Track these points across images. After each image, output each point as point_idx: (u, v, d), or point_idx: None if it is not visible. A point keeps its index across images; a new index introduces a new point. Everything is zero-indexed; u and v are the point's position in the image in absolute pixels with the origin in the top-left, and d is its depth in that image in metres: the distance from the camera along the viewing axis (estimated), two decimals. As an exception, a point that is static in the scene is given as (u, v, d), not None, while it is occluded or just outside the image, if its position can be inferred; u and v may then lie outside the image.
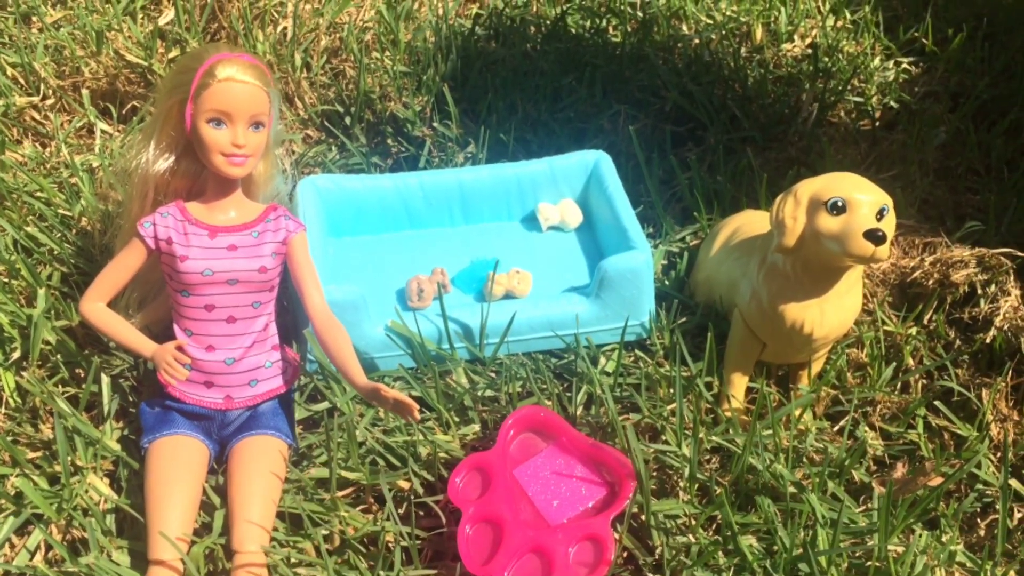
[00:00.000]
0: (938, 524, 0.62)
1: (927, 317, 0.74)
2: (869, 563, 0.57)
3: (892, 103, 0.98)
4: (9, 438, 0.63)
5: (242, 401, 0.63)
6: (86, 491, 0.61)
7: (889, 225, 0.62)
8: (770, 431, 0.63)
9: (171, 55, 0.97)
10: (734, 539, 0.57)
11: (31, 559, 0.59)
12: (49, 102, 0.94)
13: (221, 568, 0.57)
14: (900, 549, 0.59)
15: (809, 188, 0.63)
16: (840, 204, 0.61)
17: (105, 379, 0.66)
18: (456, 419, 0.66)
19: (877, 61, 1.03)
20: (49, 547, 0.60)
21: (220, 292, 0.61)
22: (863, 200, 0.61)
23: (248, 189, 0.66)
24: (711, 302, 0.73)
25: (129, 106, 0.94)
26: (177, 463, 0.59)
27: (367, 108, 0.95)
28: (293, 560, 0.56)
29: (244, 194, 0.65)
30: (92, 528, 0.57)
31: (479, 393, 0.67)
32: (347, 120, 0.94)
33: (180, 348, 0.62)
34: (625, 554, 0.60)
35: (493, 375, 0.70)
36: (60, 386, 0.68)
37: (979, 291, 0.73)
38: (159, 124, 0.63)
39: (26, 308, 0.70)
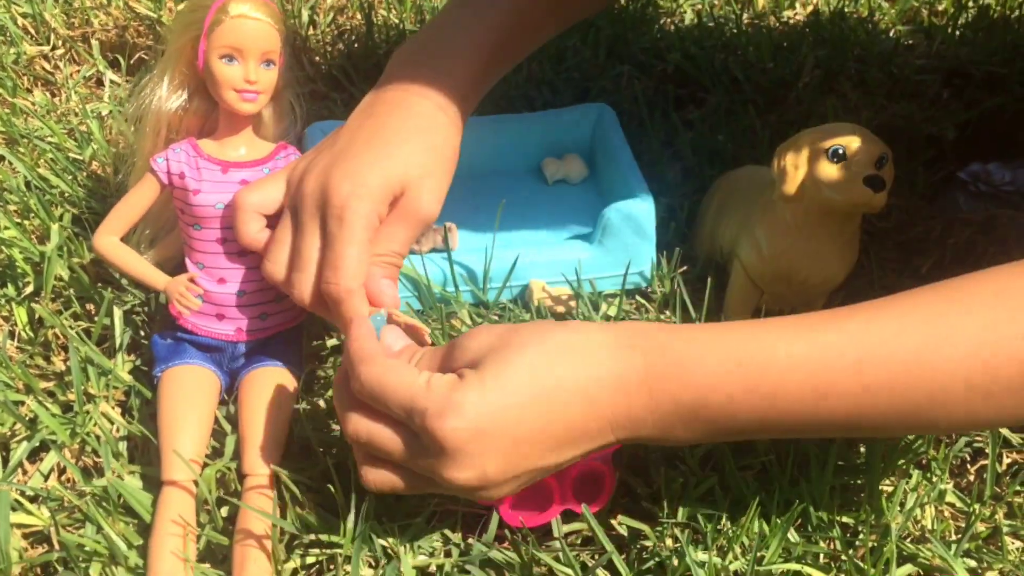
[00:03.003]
0: (929, 468, 0.63)
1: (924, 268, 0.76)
2: (861, 496, 0.59)
3: (894, 71, 0.99)
4: (20, 369, 0.64)
5: (252, 334, 0.64)
6: (97, 420, 0.62)
7: (888, 174, 0.63)
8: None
9: (179, 7, 0.98)
10: (731, 475, 0.59)
11: (44, 482, 0.61)
12: (59, 52, 0.95)
13: (233, 490, 0.58)
14: (890, 488, 0.61)
15: (810, 137, 0.64)
16: (840, 152, 0.63)
17: (117, 312, 0.67)
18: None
19: (878, 29, 1.04)
20: (61, 472, 0.62)
21: (232, 226, 0.62)
22: (863, 148, 0.63)
23: (258, 130, 0.67)
24: (712, 255, 0.75)
25: (137, 57, 0.95)
26: (190, 390, 0.61)
27: (374, 64, 0.96)
28: (303, 482, 0.58)
29: (255, 134, 0.66)
30: (106, 451, 0.58)
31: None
32: (353, 75, 0.95)
33: (192, 280, 0.63)
34: (624, 489, 0.61)
35: (496, 318, 0.71)
36: (73, 320, 0.69)
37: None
38: (172, 62, 0.64)
39: (39, 245, 0.72)
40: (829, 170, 0.63)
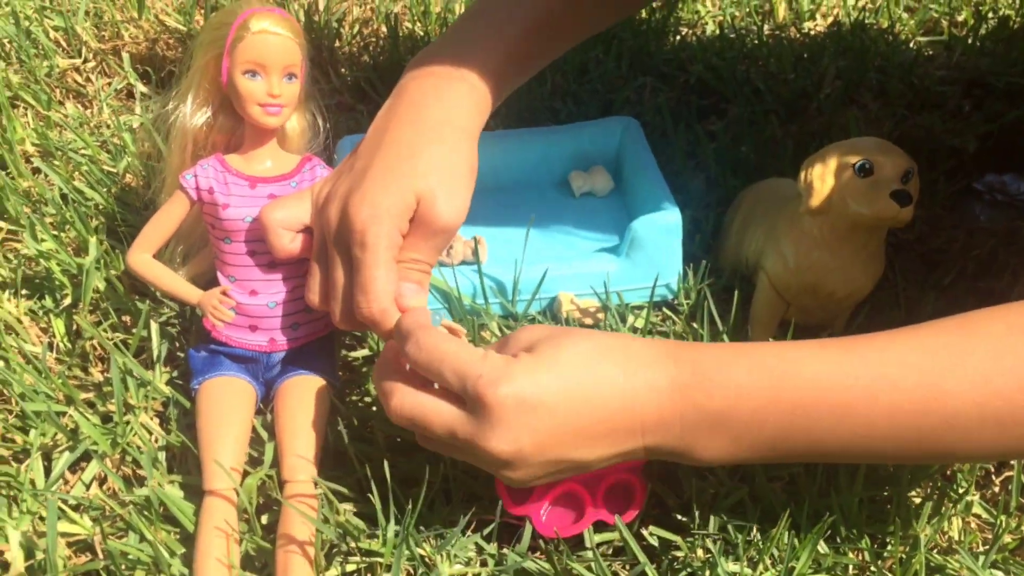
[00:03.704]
0: (955, 479, 0.64)
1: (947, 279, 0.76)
2: (888, 508, 0.60)
3: (914, 81, 0.99)
4: (60, 380, 0.66)
5: (285, 343, 0.65)
6: (137, 431, 0.63)
7: (914, 188, 0.64)
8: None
9: (203, 24, 0.99)
10: (761, 487, 0.60)
11: (86, 491, 0.62)
12: (90, 65, 0.97)
13: (273, 498, 0.60)
14: (917, 500, 0.62)
15: (837, 151, 0.65)
16: (867, 166, 0.63)
17: (154, 325, 0.68)
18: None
19: (898, 40, 1.05)
20: (102, 482, 0.63)
21: (261, 239, 0.63)
22: (890, 163, 0.63)
23: (282, 143, 0.69)
24: (737, 267, 0.75)
25: (167, 70, 0.96)
26: (227, 401, 0.62)
27: (399, 76, 0.97)
28: (340, 491, 0.59)
29: (280, 147, 0.67)
30: (147, 461, 0.60)
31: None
32: (379, 86, 0.96)
33: (225, 293, 0.65)
34: (654, 500, 0.62)
35: (526, 330, 0.72)
36: (110, 331, 0.70)
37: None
38: (196, 80, 0.65)
39: (76, 257, 0.73)
40: (856, 185, 0.63)
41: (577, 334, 0.51)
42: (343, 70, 0.98)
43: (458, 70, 0.63)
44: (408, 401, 0.51)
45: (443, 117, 0.61)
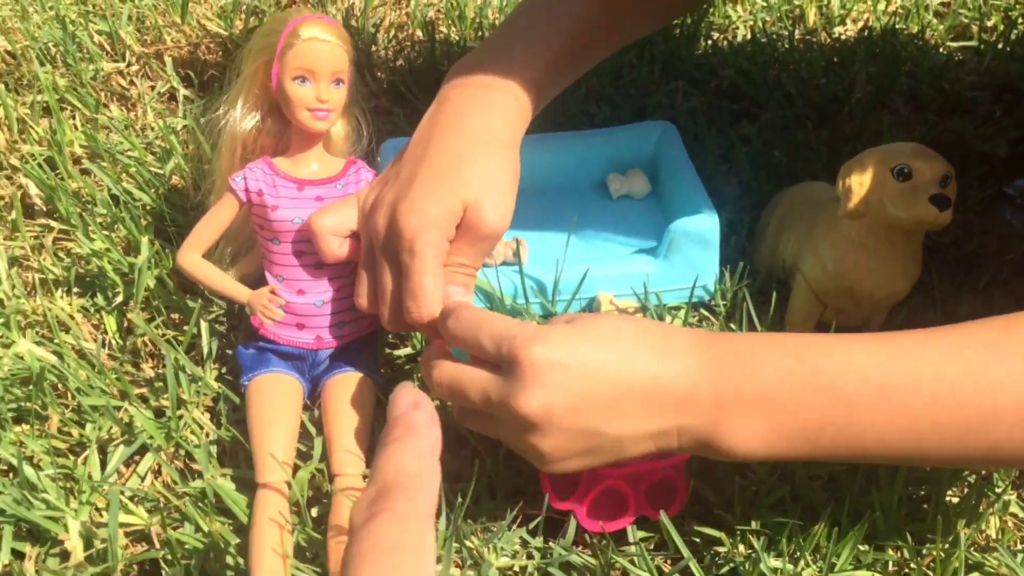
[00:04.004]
0: (991, 479, 0.65)
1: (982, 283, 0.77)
2: (926, 506, 0.61)
3: (945, 87, 1.00)
4: (114, 376, 0.68)
5: (331, 342, 0.67)
6: (190, 424, 0.65)
7: (952, 192, 0.65)
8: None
9: (249, 25, 1.01)
10: (801, 485, 0.61)
11: (141, 483, 0.64)
12: (134, 68, 0.99)
13: (322, 491, 0.61)
14: (955, 500, 0.63)
15: (875, 156, 0.66)
16: (906, 171, 0.65)
17: (203, 323, 0.70)
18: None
19: (928, 45, 1.06)
20: (156, 475, 0.65)
21: (308, 240, 0.65)
22: (928, 167, 0.64)
23: (328, 147, 0.70)
24: (773, 270, 0.76)
25: (209, 74, 0.98)
26: (276, 397, 0.64)
27: (435, 80, 0.98)
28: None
29: (325, 150, 0.69)
30: (204, 454, 0.61)
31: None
32: (415, 90, 0.98)
33: (273, 292, 0.66)
34: (694, 497, 0.63)
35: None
36: (161, 328, 0.72)
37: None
38: (246, 85, 0.67)
39: (127, 257, 0.75)
40: (895, 189, 0.65)
41: (615, 314, 0.53)
42: (380, 74, 1.00)
43: (499, 80, 0.64)
44: (447, 370, 0.53)
45: (486, 127, 0.62)
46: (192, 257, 0.67)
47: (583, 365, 0.49)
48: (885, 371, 0.48)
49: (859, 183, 0.66)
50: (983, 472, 0.64)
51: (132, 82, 0.98)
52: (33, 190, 0.84)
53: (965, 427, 0.48)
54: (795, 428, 0.49)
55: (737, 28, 1.09)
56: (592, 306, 0.74)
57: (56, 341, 0.70)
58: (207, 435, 0.65)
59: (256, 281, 0.69)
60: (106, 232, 0.77)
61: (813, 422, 0.49)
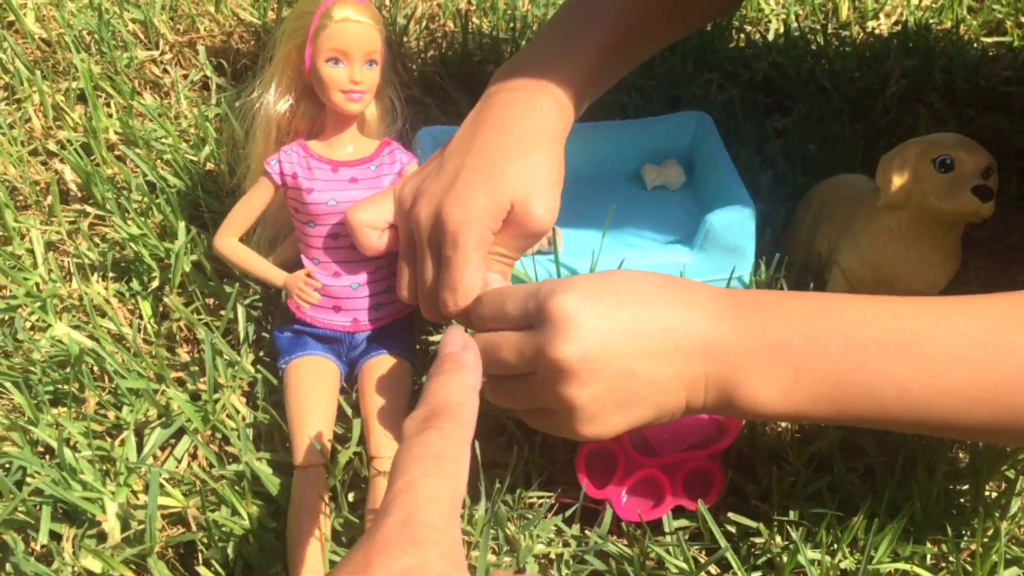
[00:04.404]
0: (1029, 474, 0.64)
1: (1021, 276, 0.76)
2: (964, 500, 0.60)
3: (980, 82, 0.99)
4: (151, 359, 0.68)
5: (367, 324, 0.67)
6: (228, 407, 0.65)
7: (994, 183, 0.65)
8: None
9: (284, 14, 1.01)
10: (839, 477, 0.60)
11: (177, 466, 0.64)
12: (167, 56, 0.99)
13: (359, 475, 0.61)
14: (995, 494, 0.62)
15: (917, 147, 0.66)
16: (948, 162, 0.64)
17: (240, 308, 0.70)
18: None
19: (963, 40, 1.05)
20: (192, 458, 0.65)
21: (344, 222, 0.64)
22: (970, 158, 0.64)
23: (362, 128, 0.70)
24: (809, 262, 0.76)
25: (242, 63, 0.98)
26: (314, 380, 0.64)
27: (468, 71, 0.99)
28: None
29: (359, 132, 0.69)
30: (243, 437, 0.62)
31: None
32: (447, 80, 0.98)
33: (310, 275, 0.66)
34: (730, 487, 0.63)
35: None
36: (197, 313, 0.72)
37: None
38: (279, 68, 0.67)
39: (163, 242, 0.75)
40: (937, 180, 0.64)
41: (636, 271, 0.54)
42: (411, 64, 1.00)
43: (544, 83, 0.64)
44: (480, 337, 0.54)
45: (531, 127, 0.63)
46: (229, 241, 0.67)
47: (611, 307, 0.50)
48: (909, 325, 0.48)
49: (899, 174, 0.66)
50: (1022, 466, 0.63)
51: (166, 70, 0.98)
52: (69, 176, 0.84)
53: (991, 388, 0.47)
54: (816, 378, 0.49)
55: (770, 21, 1.08)
56: None
57: (92, 325, 0.70)
58: (243, 419, 0.66)
59: (296, 265, 0.69)
60: (142, 218, 0.77)
61: (834, 373, 0.49)
